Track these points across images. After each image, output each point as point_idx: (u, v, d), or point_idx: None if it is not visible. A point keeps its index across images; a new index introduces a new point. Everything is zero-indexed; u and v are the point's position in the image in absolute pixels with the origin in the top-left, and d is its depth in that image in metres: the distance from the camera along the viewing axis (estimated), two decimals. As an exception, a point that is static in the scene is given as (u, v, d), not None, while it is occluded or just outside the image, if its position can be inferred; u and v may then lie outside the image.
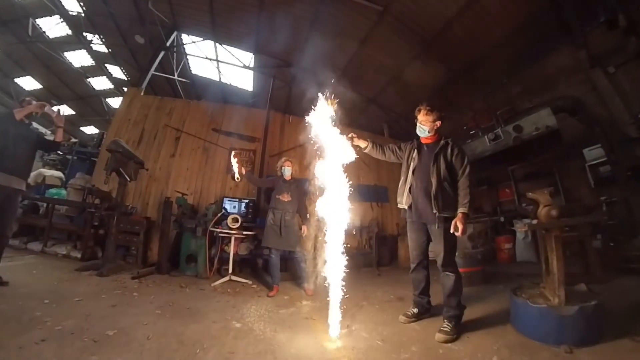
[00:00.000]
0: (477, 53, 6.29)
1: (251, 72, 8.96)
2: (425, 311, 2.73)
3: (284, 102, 8.79)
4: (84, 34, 8.56)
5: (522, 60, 6.17)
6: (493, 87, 7.05)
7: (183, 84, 9.36)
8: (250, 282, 4.10)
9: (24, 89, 11.28)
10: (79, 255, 4.32)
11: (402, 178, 2.73)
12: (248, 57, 8.33)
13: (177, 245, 4.72)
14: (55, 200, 4.72)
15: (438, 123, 2.59)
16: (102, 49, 9.16)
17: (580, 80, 5.48)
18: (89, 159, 7.55)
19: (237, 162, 3.85)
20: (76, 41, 8.77)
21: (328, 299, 2.42)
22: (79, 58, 9.76)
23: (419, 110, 2.60)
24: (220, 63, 8.88)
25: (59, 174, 6.62)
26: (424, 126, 2.59)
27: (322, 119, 2.49)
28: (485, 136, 6.00)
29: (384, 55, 6.87)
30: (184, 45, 8.47)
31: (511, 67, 6.42)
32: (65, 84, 11.38)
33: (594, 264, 3.58)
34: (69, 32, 8.58)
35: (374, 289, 4.02)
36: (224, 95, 10.25)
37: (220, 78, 9.76)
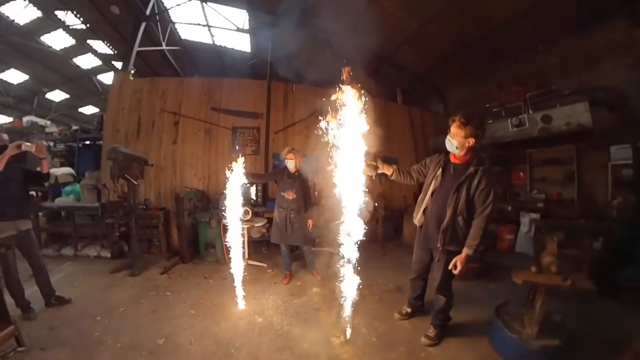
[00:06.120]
0: (512, 11, 5.27)
1: (247, 35, 8.09)
2: (418, 311, 3.05)
3: (286, 67, 7.98)
4: (55, 12, 7.98)
5: (565, 28, 5.19)
6: (525, 54, 6.01)
7: (175, 53, 8.63)
8: (265, 266, 4.57)
9: (12, 83, 11.00)
10: (108, 255, 4.74)
11: (422, 194, 2.63)
12: (242, 17, 7.40)
13: (195, 232, 5.07)
14: (73, 208, 4.97)
15: (471, 141, 2.25)
16: (80, 25, 8.51)
17: (629, 64, 4.64)
18: (94, 144, 7.64)
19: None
20: (50, 23, 8.21)
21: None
22: (57, 40, 9.19)
23: (452, 121, 2.30)
24: (212, 28, 8.01)
25: (69, 169, 6.83)
26: (454, 140, 2.30)
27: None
28: (509, 120, 5.44)
29: (402, 9, 5.96)
30: (168, 11, 7.57)
31: (550, 34, 5.40)
32: (51, 69, 10.94)
33: (583, 278, 3.53)
34: (39, 14, 7.97)
35: (377, 273, 4.33)
36: (221, 59, 9.51)
37: (213, 41, 8.89)
